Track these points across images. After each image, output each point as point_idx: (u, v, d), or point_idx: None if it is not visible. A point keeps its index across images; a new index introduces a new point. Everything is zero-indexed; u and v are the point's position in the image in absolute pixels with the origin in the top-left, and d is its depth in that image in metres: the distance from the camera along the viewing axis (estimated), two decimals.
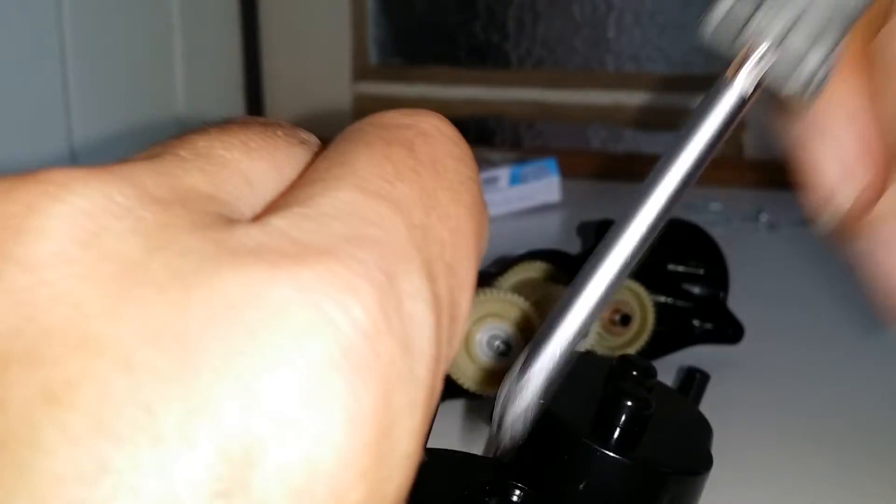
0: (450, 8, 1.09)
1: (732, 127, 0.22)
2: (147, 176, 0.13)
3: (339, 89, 1.11)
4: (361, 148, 0.15)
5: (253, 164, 0.15)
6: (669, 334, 0.49)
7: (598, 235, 0.53)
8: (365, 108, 1.11)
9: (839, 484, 0.40)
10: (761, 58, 0.21)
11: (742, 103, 0.22)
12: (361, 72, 1.11)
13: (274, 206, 0.14)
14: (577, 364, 0.24)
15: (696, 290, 0.50)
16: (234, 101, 1.10)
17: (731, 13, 0.22)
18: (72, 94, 0.86)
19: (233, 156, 0.15)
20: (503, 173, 0.82)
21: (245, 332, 0.11)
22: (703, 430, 0.30)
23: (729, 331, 0.51)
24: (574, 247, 0.56)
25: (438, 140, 0.16)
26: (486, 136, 1.09)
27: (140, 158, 0.14)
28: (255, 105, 1.12)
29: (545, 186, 0.83)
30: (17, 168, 0.13)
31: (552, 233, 0.78)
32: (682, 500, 0.28)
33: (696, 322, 0.50)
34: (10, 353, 0.11)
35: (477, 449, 0.41)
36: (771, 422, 0.46)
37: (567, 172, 0.85)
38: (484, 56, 1.08)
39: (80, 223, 0.12)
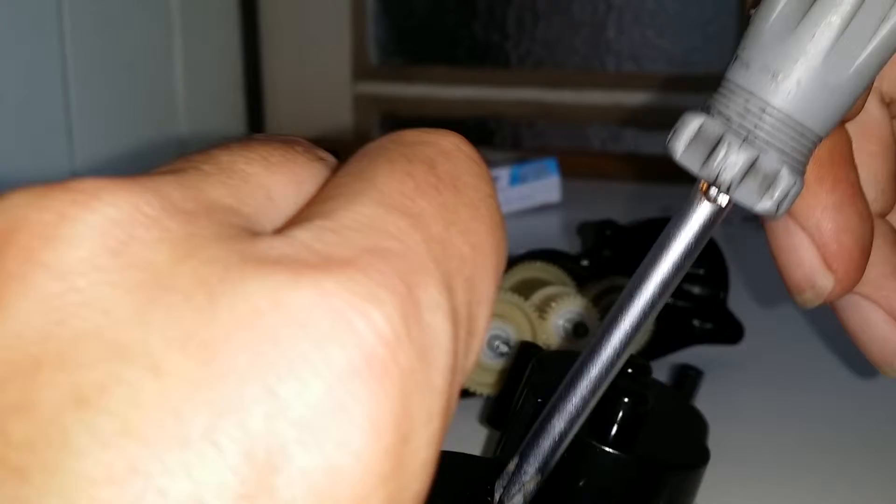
0: (450, 8, 1.09)
1: (707, 236, 0.23)
2: (173, 188, 0.13)
3: (339, 89, 1.11)
4: (383, 164, 0.15)
5: (274, 179, 0.15)
6: (669, 334, 0.49)
7: (597, 235, 0.53)
8: (365, 108, 1.11)
9: (838, 483, 0.40)
10: (729, 186, 0.22)
11: (715, 217, 0.22)
12: (361, 72, 1.11)
13: (297, 219, 0.14)
14: (568, 362, 0.24)
15: (696, 289, 0.50)
16: (235, 100, 1.10)
17: (700, 135, 0.22)
18: (72, 94, 0.86)
19: (254, 170, 0.15)
20: (503, 173, 0.82)
21: (269, 338, 0.12)
22: (698, 425, 0.30)
23: (729, 331, 0.51)
24: (574, 247, 0.56)
25: (458, 158, 0.16)
26: (486, 136, 1.09)
27: (164, 171, 0.14)
28: (255, 105, 1.12)
29: (545, 186, 0.83)
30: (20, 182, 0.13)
31: (552, 233, 0.78)
32: (681, 495, 0.28)
33: (696, 322, 0.50)
34: (41, 357, 0.12)
35: (476, 449, 0.41)
36: (771, 421, 0.46)
37: (567, 172, 0.85)
38: (484, 56, 1.08)
39: (109, 231, 0.12)
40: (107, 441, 0.11)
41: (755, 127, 0.21)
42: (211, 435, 0.11)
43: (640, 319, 0.23)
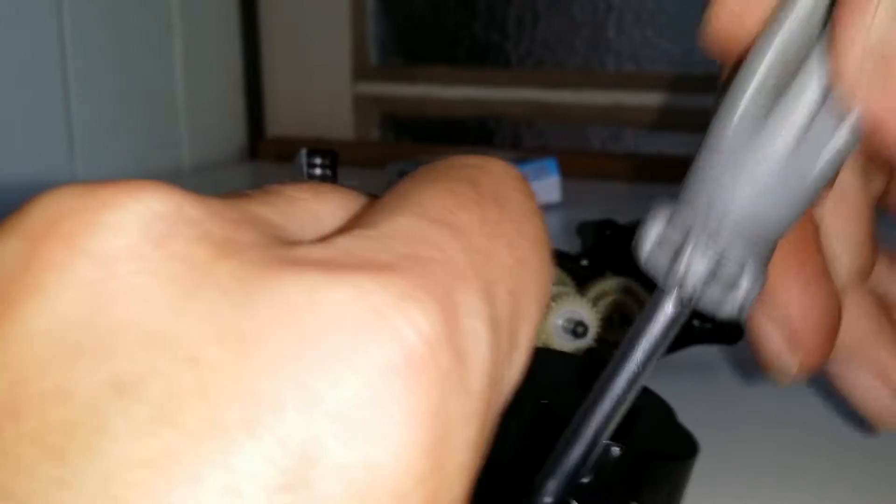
0: (450, 8, 1.09)
1: (672, 334, 0.24)
2: (216, 201, 0.14)
3: (339, 89, 1.11)
4: (426, 183, 0.15)
5: (322, 205, 0.16)
6: None
7: (597, 235, 0.53)
8: (365, 108, 1.11)
9: (839, 484, 0.40)
10: (691, 293, 0.22)
11: (678, 317, 0.23)
12: (361, 72, 1.11)
13: (338, 230, 0.14)
14: (543, 363, 0.25)
15: None
16: (235, 100, 1.10)
17: (663, 240, 0.23)
18: (72, 94, 0.86)
19: (302, 196, 0.15)
20: None
21: (306, 334, 0.12)
22: (668, 411, 0.30)
23: (728, 331, 0.51)
24: (574, 247, 0.56)
25: (502, 178, 0.16)
26: (486, 136, 1.09)
27: None
28: (255, 105, 1.12)
29: (545, 186, 0.83)
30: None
31: (552, 233, 0.77)
32: (677, 484, 0.28)
33: (695, 322, 0.50)
34: (81, 344, 0.12)
35: None
36: (770, 422, 0.46)
37: (567, 172, 0.85)
38: (484, 56, 1.08)
39: (152, 222, 0.13)
40: (143, 427, 0.11)
41: (716, 232, 0.22)
42: (247, 425, 0.11)
43: (611, 412, 0.24)
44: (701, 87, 0.96)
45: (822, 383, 0.50)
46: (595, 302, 0.46)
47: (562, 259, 0.50)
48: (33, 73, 0.82)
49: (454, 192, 0.15)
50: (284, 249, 0.13)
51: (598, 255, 0.52)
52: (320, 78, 1.11)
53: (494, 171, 0.16)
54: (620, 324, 0.48)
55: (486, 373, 0.13)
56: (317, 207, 0.15)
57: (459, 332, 0.13)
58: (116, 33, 0.91)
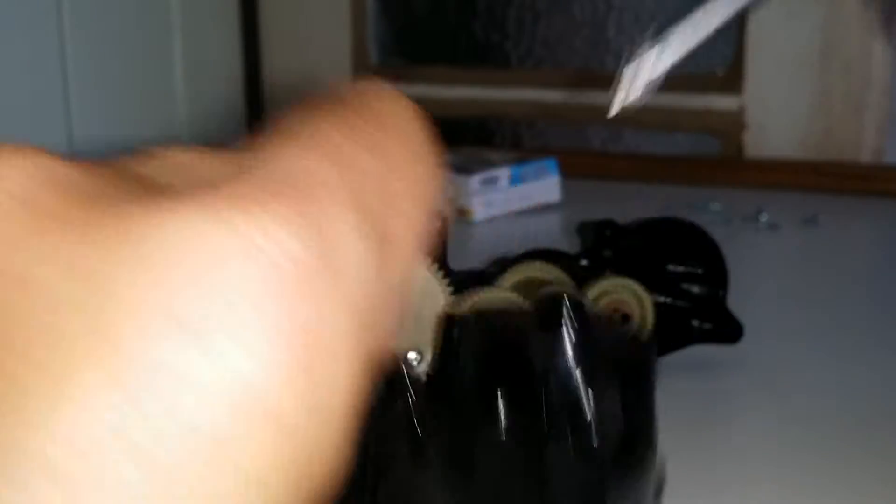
0: (450, 8, 1.09)
1: None
2: (94, 163, 0.14)
3: None
4: (292, 115, 0.16)
5: (199, 160, 0.15)
6: (669, 334, 0.50)
7: (597, 235, 0.53)
8: None
9: (840, 482, 0.40)
10: None
11: None
12: (361, 72, 1.11)
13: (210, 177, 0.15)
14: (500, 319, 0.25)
15: (696, 289, 0.50)
16: (235, 100, 1.10)
17: None
18: (71, 92, 0.86)
19: (173, 153, 0.15)
20: (503, 173, 0.82)
21: (168, 262, 0.12)
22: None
23: (728, 330, 0.51)
24: (574, 247, 0.56)
25: (380, 96, 0.17)
26: (486, 136, 1.09)
27: None
28: (255, 105, 1.12)
29: (545, 186, 0.83)
30: None
31: (552, 233, 0.78)
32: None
33: (695, 322, 0.50)
34: None
35: None
36: (771, 421, 0.46)
37: (567, 172, 0.85)
38: (484, 56, 1.08)
39: (11, 176, 0.13)
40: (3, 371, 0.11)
41: None
42: (99, 357, 0.11)
43: None
44: (701, 87, 0.96)
45: (821, 382, 0.50)
46: (595, 302, 0.46)
47: (562, 259, 0.50)
48: (33, 71, 0.82)
49: (317, 107, 0.16)
50: (158, 196, 0.13)
51: (597, 255, 0.52)
52: (320, 78, 1.11)
53: (372, 91, 0.17)
54: (620, 324, 0.47)
55: (359, 279, 0.14)
56: (191, 162, 0.15)
57: (327, 243, 0.13)
58: (116, 33, 0.91)
